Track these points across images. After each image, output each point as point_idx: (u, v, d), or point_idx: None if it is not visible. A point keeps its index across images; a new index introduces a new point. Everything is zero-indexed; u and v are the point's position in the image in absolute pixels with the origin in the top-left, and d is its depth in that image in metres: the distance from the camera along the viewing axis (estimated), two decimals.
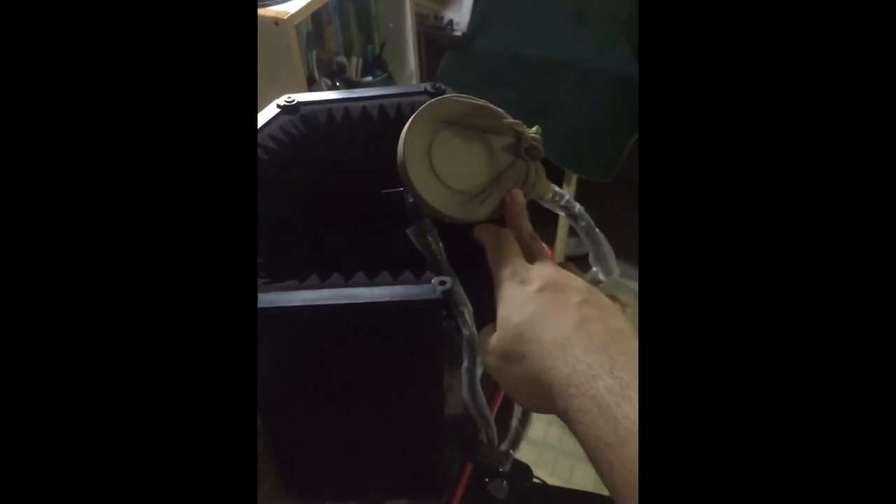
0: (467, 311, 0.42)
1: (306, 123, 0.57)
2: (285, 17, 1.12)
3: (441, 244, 0.45)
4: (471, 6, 1.64)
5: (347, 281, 0.42)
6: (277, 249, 0.50)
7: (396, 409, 0.49)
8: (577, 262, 0.45)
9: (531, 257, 0.43)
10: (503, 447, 0.58)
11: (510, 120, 0.46)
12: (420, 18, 1.66)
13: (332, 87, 1.42)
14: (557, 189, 0.48)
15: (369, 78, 1.51)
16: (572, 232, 1.64)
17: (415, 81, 1.66)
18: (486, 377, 0.44)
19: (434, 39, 1.71)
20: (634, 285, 1.74)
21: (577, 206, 0.49)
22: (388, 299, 0.40)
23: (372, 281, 0.41)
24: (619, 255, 0.49)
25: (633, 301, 1.70)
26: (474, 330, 0.42)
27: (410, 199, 0.45)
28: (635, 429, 0.31)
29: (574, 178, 1.61)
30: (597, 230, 0.49)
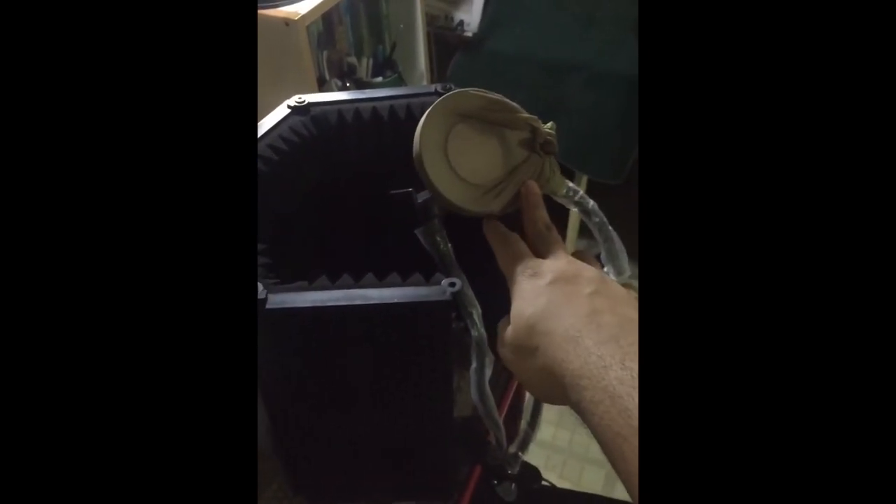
0: (476, 312, 0.42)
1: (317, 124, 0.57)
2: (296, 18, 1.12)
3: (450, 245, 0.45)
4: (481, 7, 1.64)
5: (357, 282, 0.42)
6: (286, 250, 0.50)
7: (405, 410, 0.49)
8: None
9: (546, 248, 0.43)
10: (512, 449, 0.57)
11: (526, 115, 0.46)
12: (430, 19, 1.66)
13: (343, 88, 1.42)
14: (571, 184, 0.48)
15: (380, 78, 1.51)
16: (582, 231, 1.64)
17: (425, 82, 1.66)
18: (495, 377, 0.44)
19: (444, 40, 1.71)
20: None
21: (591, 203, 0.48)
22: (397, 300, 0.39)
23: (381, 282, 0.41)
24: (630, 256, 0.48)
25: None
26: (483, 331, 0.42)
27: (419, 200, 0.45)
28: None
29: (584, 180, 1.61)
30: (610, 227, 0.48)
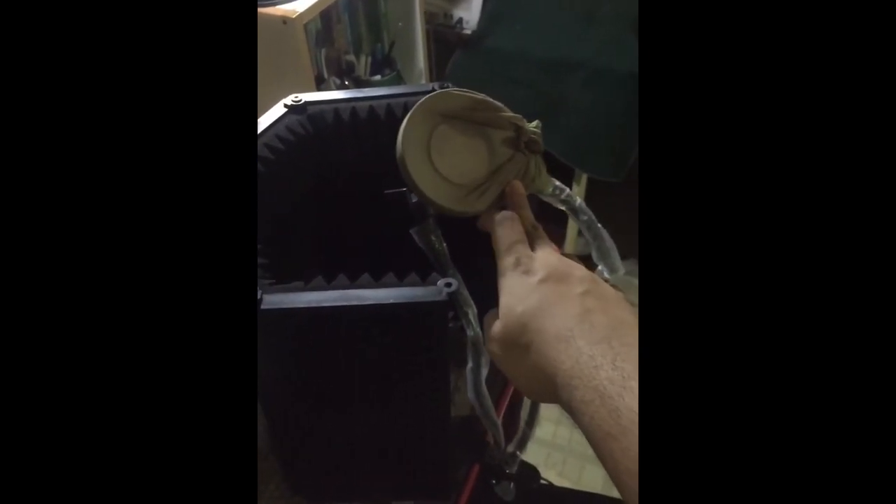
0: (472, 312, 0.41)
1: (313, 123, 0.57)
2: (294, 16, 1.12)
3: (445, 244, 0.45)
4: (480, 5, 1.64)
5: (353, 282, 0.41)
6: (282, 249, 0.50)
7: (402, 410, 0.49)
8: (584, 262, 0.45)
9: (534, 247, 0.43)
10: (510, 448, 0.57)
11: (510, 114, 0.46)
12: (429, 17, 1.66)
13: (341, 86, 1.42)
14: (558, 183, 0.48)
15: (378, 77, 1.51)
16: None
17: (424, 80, 1.66)
18: (492, 376, 0.43)
19: (443, 38, 1.71)
20: None
21: (578, 201, 0.48)
22: (393, 301, 0.39)
23: (378, 282, 0.41)
24: (630, 254, 0.48)
25: None
26: (479, 331, 0.42)
27: (414, 199, 0.45)
28: (636, 419, 0.31)
29: (584, 178, 1.61)
30: (598, 225, 0.48)
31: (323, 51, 1.37)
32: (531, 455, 0.61)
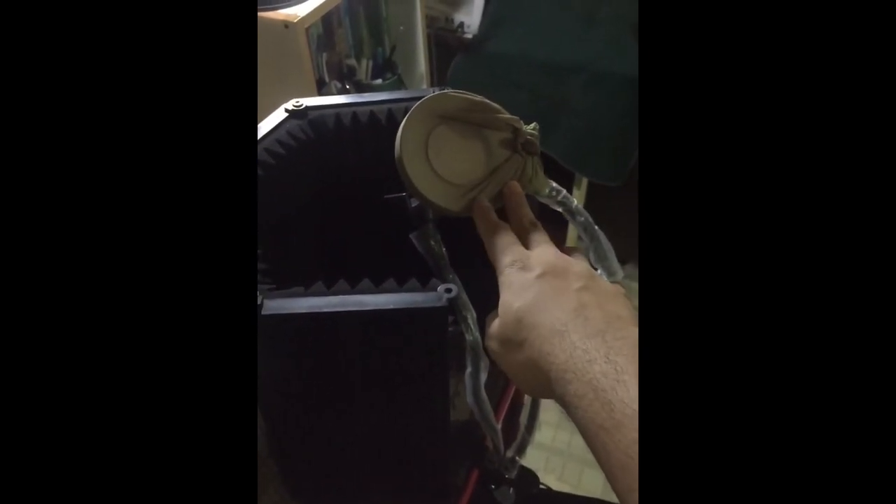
0: (471, 317, 0.42)
1: (314, 128, 0.57)
2: (295, 21, 1.12)
3: (444, 249, 0.45)
4: (481, 9, 1.64)
5: (353, 287, 0.42)
6: (283, 254, 0.50)
7: (402, 415, 0.49)
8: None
9: (534, 243, 0.43)
10: (509, 453, 0.57)
11: (507, 115, 0.46)
12: (431, 21, 1.66)
13: (342, 90, 1.42)
14: (554, 185, 0.48)
15: (379, 80, 1.51)
16: None
17: (425, 84, 1.66)
18: (492, 381, 0.44)
19: (444, 42, 1.71)
20: None
21: (575, 202, 0.48)
22: (393, 306, 0.39)
23: (378, 288, 0.41)
24: (630, 258, 0.48)
25: None
26: (478, 335, 0.42)
27: (413, 204, 0.45)
28: (629, 412, 0.31)
29: (584, 181, 1.61)
30: (596, 227, 0.48)
31: (324, 55, 1.38)
32: (530, 459, 0.61)
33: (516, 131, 0.46)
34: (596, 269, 0.49)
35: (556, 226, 0.46)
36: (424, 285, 0.42)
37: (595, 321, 0.36)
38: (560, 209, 0.49)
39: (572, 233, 1.65)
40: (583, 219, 0.48)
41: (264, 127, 0.56)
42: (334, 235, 0.61)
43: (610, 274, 0.48)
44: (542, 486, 0.64)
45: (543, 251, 0.41)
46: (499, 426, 0.48)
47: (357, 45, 1.52)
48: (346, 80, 1.45)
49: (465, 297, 0.41)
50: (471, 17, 1.67)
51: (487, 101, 0.46)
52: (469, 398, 0.44)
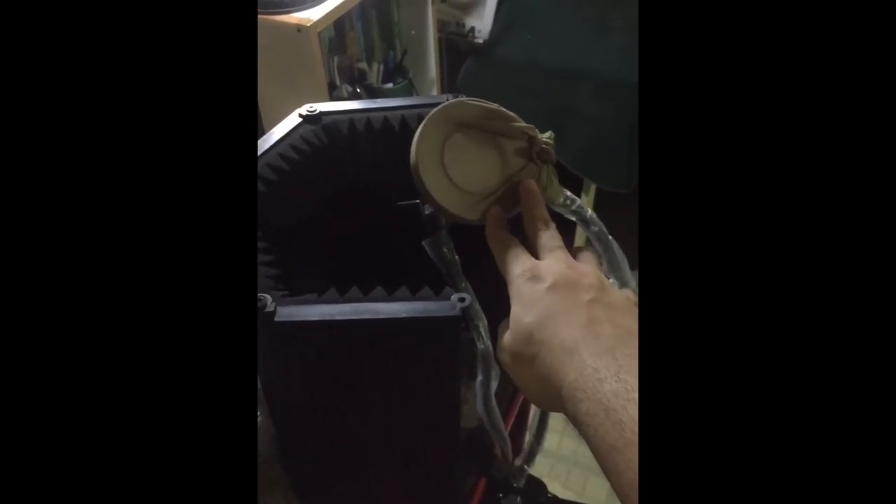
0: (482, 325, 0.41)
1: (328, 133, 0.57)
2: (308, 24, 1.13)
3: (457, 256, 0.45)
4: (493, 14, 1.64)
5: (366, 295, 0.42)
6: (295, 260, 0.50)
7: (412, 422, 0.49)
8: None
9: (546, 248, 0.42)
10: (518, 462, 0.57)
11: (523, 124, 0.46)
12: (442, 25, 1.66)
13: (353, 94, 1.42)
14: (569, 193, 0.48)
15: (390, 85, 1.51)
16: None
17: (435, 88, 1.66)
18: (501, 388, 0.43)
19: (455, 46, 1.71)
20: None
21: (589, 212, 0.48)
22: (406, 315, 0.39)
23: (391, 296, 0.41)
24: (634, 266, 0.48)
25: None
26: (489, 343, 0.42)
27: (427, 211, 0.45)
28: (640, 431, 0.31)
29: (593, 188, 1.60)
30: (609, 237, 0.48)
31: (335, 58, 1.38)
32: (535, 466, 0.61)
33: (532, 140, 0.46)
34: (609, 279, 0.48)
35: (563, 228, 0.46)
36: (437, 293, 0.42)
37: (606, 338, 0.36)
38: (574, 218, 0.48)
39: (578, 241, 1.65)
40: (597, 228, 0.48)
41: (278, 132, 0.56)
42: (346, 241, 0.61)
43: (623, 284, 0.48)
44: (549, 496, 0.64)
45: (554, 261, 0.41)
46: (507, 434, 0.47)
47: (368, 48, 1.52)
48: (357, 83, 1.46)
49: (477, 305, 0.41)
50: (482, 22, 1.67)
51: (503, 108, 0.46)
52: (479, 406, 0.44)
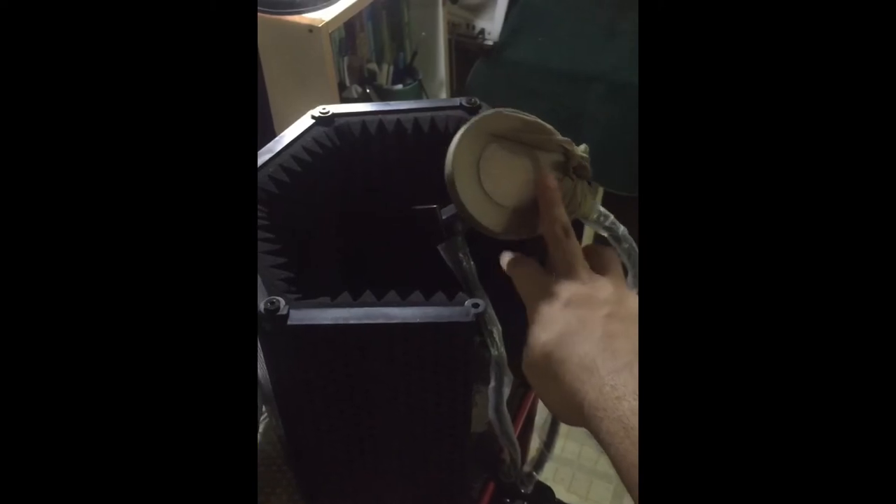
0: (496, 331, 0.41)
1: (340, 135, 0.57)
2: (320, 25, 1.13)
3: (473, 262, 0.44)
4: (503, 16, 1.63)
5: (379, 299, 0.41)
6: (309, 263, 0.50)
7: (422, 427, 0.49)
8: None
9: (563, 258, 0.41)
10: (526, 468, 0.57)
11: (560, 137, 0.45)
12: (452, 27, 1.66)
13: (363, 94, 1.42)
14: (602, 209, 0.47)
15: (400, 86, 1.51)
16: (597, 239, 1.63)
17: (444, 90, 1.66)
18: (511, 393, 0.43)
19: (464, 48, 1.71)
20: None
21: (622, 229, 0.47)
22: (420, 320, 0.39)
23: (404, 301, 0.41)
24: None
25: None
26: (503, 350, 0.42)
27: (445, 216, 0.44)
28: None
29: (600, 191, 1.60)
30: (639, 254, 0.48)
31: (345, 59, 1.38)
32: None
33: (568, 154, 0.45)
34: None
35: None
36: (451, 298, 0.41)
37: (623, 353, 0.36)
38: (606, 234, 0.48)
39: (588, 232, 1.65)
40: (627, 245, 0.47)
41: (291, 133, 0.56)
42: (359, 244, 0.61)
43: None
44: (557, 501, 0.64)
45: (569, 275, 0.40)
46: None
47: (378, 49, 1.52)
48: (367, 84, 1.45)
49: (491, 311, 0.41)
50: (492, 24, 1.67)
51: (540, 121, 0.45)
52: (491, 412, 0.43)
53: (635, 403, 0.33)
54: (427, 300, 0.41)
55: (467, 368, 0.43)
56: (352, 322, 0.39)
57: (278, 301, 0.40)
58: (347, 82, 1.39)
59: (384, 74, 1.49)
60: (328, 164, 0.56)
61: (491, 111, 0.44)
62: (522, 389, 0.68)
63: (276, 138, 0.55)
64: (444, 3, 1.54)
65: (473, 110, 0.58)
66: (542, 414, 0.64)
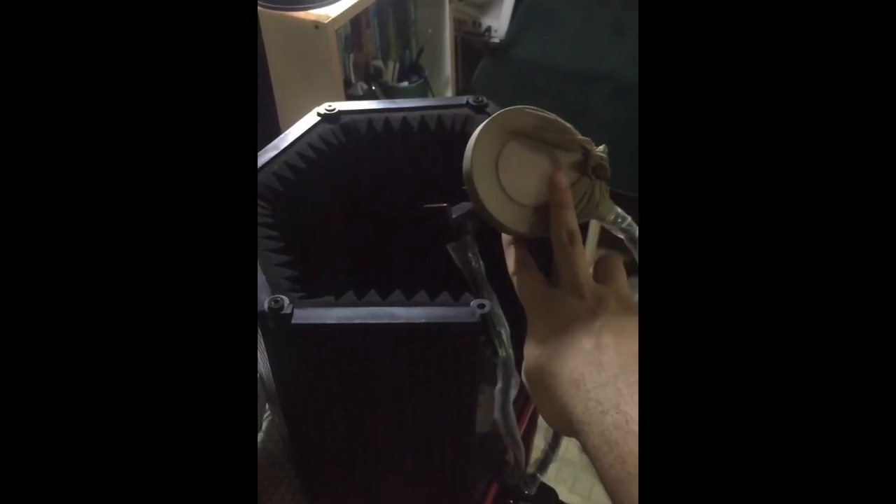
0: (504, 332, 0.41)
1: (346, 133, 0.57)
2: (326, 21, 1.12)
3: (482, 262, 0.44)
4: (510, 14, 1.63)
5: (384, 299, 0.41)
6: (313, 261, 0.49)
7: (426, 427, 0.48)
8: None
9: (566, 263, 0.41)
10: (530, 470, 0.57)
11: (580, 137, 0.44)
12: (458, 24, 1.65)
13: (368, 91, 1.42)
14: (620, 211, 0.47)
15: (405, 83, 1.51)
16: (602, 242, 1.62)
17: (450, 88, 1.66)
18: (515, 397, 0.43)
19: (470, 46, 1.71)
20: None
21: (638, 230, 0.47)
22: (425, 320, 0.39)
23: (409, 300, 0.41)
24: None
25: None
26: (511, 351, 0.41)
27: (455, 215, 0.44)
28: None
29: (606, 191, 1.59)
30: None
31: (351, 55, 1.38)
32: None
33: (587, 153, 0.44)
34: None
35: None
36: (456, 298, 0.41)
37: (610, 366, 0.36)
38: (622, 236, 0.47)
39: (591, 243, 1.64)
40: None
41: (296, 130, 0.56)
42: (364, 242, 0.61)
43: None
44: (560, 503, 0.63)
45: (569, 286, 0.40)
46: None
47: (384, 46, 1.51)
48: (373, 81, 1.45)
49: (499, 311, 0.40)
50: (498, 22, 1.66)
51: (560, 119, 0.44)
52: (497, 413, 0.43)
53: (618, 418, 0.33)
54: (432, 300, 0.41)
55: (473, 369, 0.42)
56: (356, 322, 0.39)
57: (282, 300, 0.40)
58: (353, 79, 1.38)
59: (390, 72, 1.49)
60: (334, 162, 0.55)
61: (511, 108, 0.43)
62: (526, 392, 0.67)
63: (282, 135, 0.54)
64: (450, 1, 1.53)
65: (480, 109, 0.57)
66: None
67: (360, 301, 0.41)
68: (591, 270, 0.42)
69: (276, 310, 0.39)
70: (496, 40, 1.65)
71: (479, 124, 0.56)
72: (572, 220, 0.42)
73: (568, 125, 0.44)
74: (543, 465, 0.56)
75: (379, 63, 1.47)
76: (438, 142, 0.57)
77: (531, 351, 0.40)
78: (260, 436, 0.65)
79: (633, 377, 0.35)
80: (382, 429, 0.48)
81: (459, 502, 0.57)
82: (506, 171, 0.42)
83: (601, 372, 0.36)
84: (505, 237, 0.44)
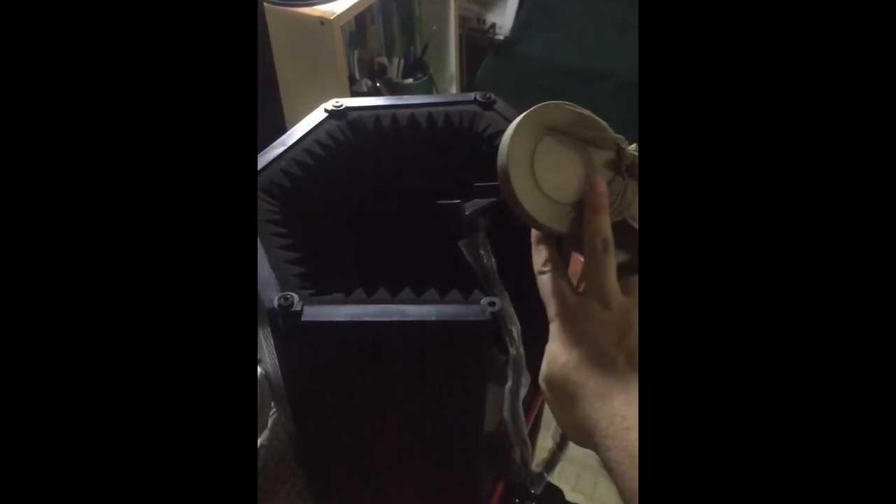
0: (515, 330, 0.41)
1: (353, 129, 0.56)
2: (331, 17, 1.12)
3: (494, 259, 0.43)
4: (514, 11, 1.63)
5: (393, 296, 0.41)
6: (321, 258, 0.49)
7: (434, 425, 0.48)
8: None
9: (595, 273, 0.40)
10: (537, 469, 0.56)
11: (614, 134, 0.44)
12: (462, 21, 1.65)
13: (373, 88, 1.42)
14: None
15: (410, 80, 1.50)
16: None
17: (454, 84, 1.66)
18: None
19: (475, 42, 1.70)
20: None
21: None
22: (435, 318, 0.39)
23: (419, 298, 0.40)
24: None
25: None
26: (521, 350, 0.41)
27: (468, 212, 0.43)
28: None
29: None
30: None
31: (356, 52, 1.37)
32: None
33: (621, 151, 0.43)
34: None
35: None
36: (466, 296, 0.41)
37: (637, 384, 0.36)
38: None
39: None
40: None
41: (303, 126, 0.55)
42: (371, 238, 0.61)
43: None
44: (566, 503, 0.63)
45: (597, 296, 0.39)
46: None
47: (389, 43, 1.51)
48: (377, 77, 1.45)
49: (510, 309, 0.40)
50: (503, 19, 1.66)
51: (595, 116, 0.44)
52: (506, 412, 0.43)
53: None
54: (442, 298, 0.41)
55: (482, 368, 0.42)
56: (367, 319, 0.39)
57: (292, 297, 0.39)
58: (358, 76, 1.38)
59: (394, 68, 1.49)
60: (341, 159, 0.55)
61: (548, 103, 0.42)
62: (533, 389, 0.67)
63: (289, 132, 0.54)
64: None
65: (488, 105, 0.57)
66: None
67: (369, 299, 0.40)
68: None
69: (285, 307, 0.39)
70: (501, 37, 1.65)
71: (486, 121, 0.56)
72: (607, 227, 0.41)
73: (603, 122, 0.44)
74: (550, 464, 0.56)
75: (383, 59, 1.47)
76: (446, 138, 0.57)
77: (556, 357, 0.39)
78: (265, 433, 0.65)
79: None
80: (390, 426, 0.48)
81: (466, 501, 0.56)
82: (541, 166, 0.42)
83: (629, 388, 0.36)
84: (534, 234, 0.44)
